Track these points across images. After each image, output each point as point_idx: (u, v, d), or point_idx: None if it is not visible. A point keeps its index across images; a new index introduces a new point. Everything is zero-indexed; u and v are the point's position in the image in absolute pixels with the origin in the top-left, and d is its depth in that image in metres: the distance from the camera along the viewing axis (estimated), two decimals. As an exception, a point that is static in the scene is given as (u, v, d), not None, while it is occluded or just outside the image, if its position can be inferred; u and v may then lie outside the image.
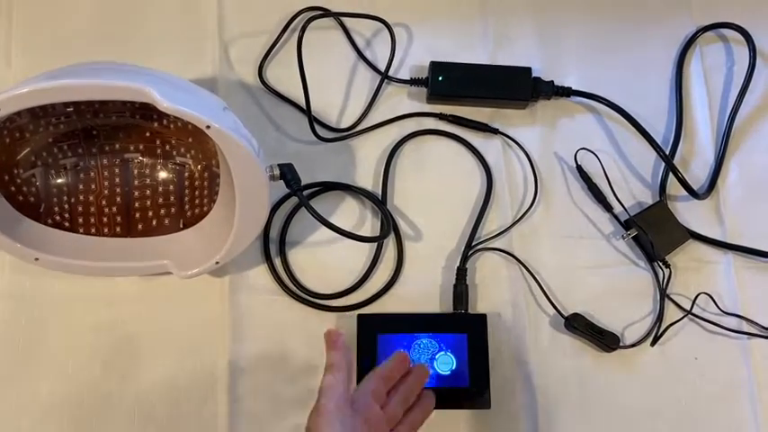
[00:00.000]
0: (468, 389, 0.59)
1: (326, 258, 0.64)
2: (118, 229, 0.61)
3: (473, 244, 0.64)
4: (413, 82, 0.68)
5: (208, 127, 0.49)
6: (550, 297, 0.62)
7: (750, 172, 0.68)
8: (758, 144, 0.68)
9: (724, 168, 0.67)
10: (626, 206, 0.65)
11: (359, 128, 0.67)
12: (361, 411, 0.50)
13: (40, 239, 0.57)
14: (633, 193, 0.67)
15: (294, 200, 0.64)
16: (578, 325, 0.61)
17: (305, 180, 0.59)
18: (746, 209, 0.67)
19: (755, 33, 0.70)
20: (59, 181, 0.60)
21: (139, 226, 0.62)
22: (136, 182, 0.62)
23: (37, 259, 0.56)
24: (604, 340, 0.61)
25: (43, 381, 0.60)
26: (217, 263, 0.56)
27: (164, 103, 0.47)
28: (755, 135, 0.69)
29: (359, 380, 0.58)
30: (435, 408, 0.58)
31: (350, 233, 0.57)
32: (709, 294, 0.63)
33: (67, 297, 0.61)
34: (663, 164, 0.67)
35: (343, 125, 0.68)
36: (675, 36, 0.71)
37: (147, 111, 0.59)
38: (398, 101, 0.69)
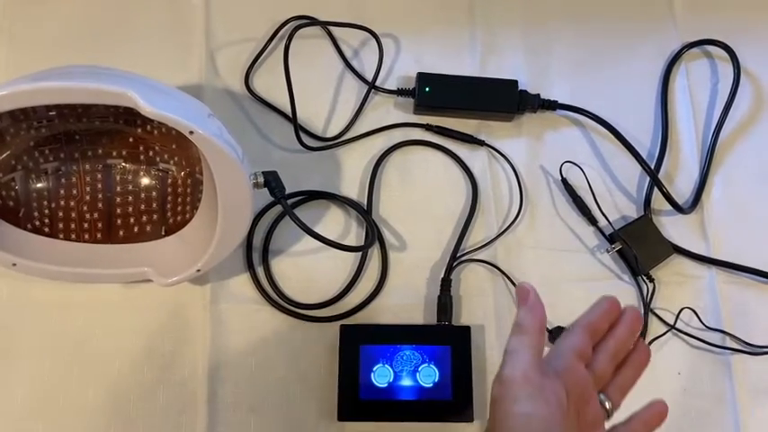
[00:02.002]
0: (451, 402, 0.58)
1: (310, 268, 0.63)
2: (98, 236, 0.61)
3: (458, 255, 0.64)
4: (400, 92, 0.68)
5: (191, 132, 0.48)
6: (534, 310, 0.62)
7: (734, 187, 0.68)
8: (742, 160, 0.69)
9: (708, 183, 0.68)
10: (610, 220, 0.65)
11: (345, 137, 0.67)
12: (563, 374, 0.42)
13: (19, 244, 0.56)
14: (618, 207, 0.67)
15: (278, 208, 0.64)
16: (562, 338, 0.61)
17: (290, 189, 0.59)
18: (730, 224, 0.67)
19: (740, 50, 0.70)
20: (40, 185, 0.59)
21: (121, 232, 0.61)
22: (118, 188, 0.61)
23: (14, 264, 0.55)
24: (588, 354, 0.60)
25: (18, 388, 0.59)
26: (198, 271, 0.56)
27: (146, 108, 0.46)
28: (739, 151, 0.69)
29: (341, 390, 0.58)
30: (418, 420, 0.58)
31: (334, 242, 0.56)
32: (692, 309, 0.63)
33: (45, 303, 0.60)
34: (648, 178, 0.67)
35: (330, 134, 0.67)
36: (661, 52, 0.72)
37: (130, 116, 0.59)
38: (385, 111, 0.69)
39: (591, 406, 0.44)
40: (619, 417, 0.46)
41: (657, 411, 0.47)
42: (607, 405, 0.45)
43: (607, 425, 0.45)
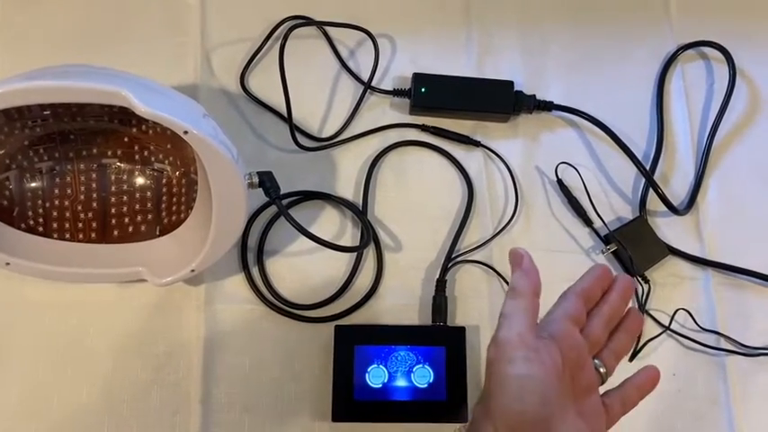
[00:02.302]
0: (446, 402, 0.58)
1: (305, 268, 0.63)
2: (93, 235, 0.60)
3: (453, 256, 0.64)
4: (395, 93, 0.68)
5: (185, 132, 0.48)
6: (529, 311, 0.62)
7: (729, 189, 0.68)
8: (737, 161, 0.69)
9: (704, 185, 0.68)
10: (606, 221, 0.65)
11: (340, 137, 0.67)
12: (558, 338, 0.42)
13: (13, 244, 0.56)
14: (613, 208, 0.67)
15: (273, 208, 0.64)
16: (557, 339, 0.61)
17: (285, 189, 0.59)
18: (726, 225, 0.67)
19: (735, 52, 0.71)
20: (34, 185, 0.59)
21: (115, 232, 0.61)
22: (113, 187, 0.61)
23: (8, 264, 0.55)
24: (583, 355, 0.60)
25: (13, 388, 0.58)
26: (192, 271, 0.56)
27: (141, 107, 0.46)
28: (735, 152, 0.69)
29: (335, 391, 0.58)
30: (412, 421, 0.58)
31: (329, 243, 0.56)
32: (687, 310, 0.63)
33: (39, 303, 0.60)
34: (643, 179, 0.67)
35: (325, 134, 0.67)
36: (657, 53, 0.72)
37: (125, 115, 0.59)
38: (381, 111, 0.69)
39: (585, 371, 0.44)
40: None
41: (650, 376, 0.48)
42: (601, 370, 0.46)
43: (601, 390, 0.46)
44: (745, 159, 0.69)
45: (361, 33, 0.68)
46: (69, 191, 0.60)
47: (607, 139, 0.68)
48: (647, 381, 0.47)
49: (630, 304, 0.49)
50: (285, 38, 0.64)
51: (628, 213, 0.67)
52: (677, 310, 0.63)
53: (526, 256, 0.46)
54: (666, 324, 0.63)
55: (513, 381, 0.40)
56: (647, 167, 0.67)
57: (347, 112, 0.68)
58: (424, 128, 0.68)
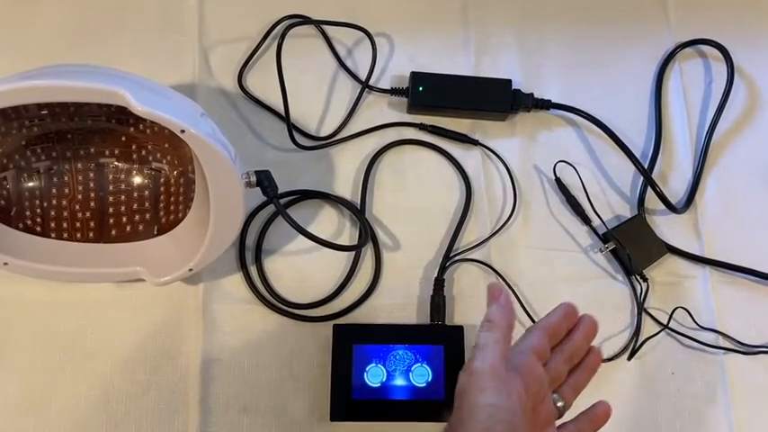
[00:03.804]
0: (444, 401, 0.58)
1: (303, 267, 0.63)
2: (91, 235, 0.60)
3: (451, 255, 0.64)
4: (393, 92, 0.68)
5: (183, 131, 0.48)
6: (528, 309, 0.62)
7: (728, 187, 0.68)
8: (736, 159, 0.69)
9: (702, 183, 0.68)
10: (604, 219, 0.65)
11: (338, 136, 0.67)
12: (521, 371, 0.45)
13: (10, 244, 0.56)
14: (611, 207, 0.67)
15: (271, 208, 0.64)
16: (555, 338, 0.61)
17: (283, 188, 0.59)
18: (724, 224, 0.67)
19: (733, 50, 0.71)
20: (32, 185, 0.59)
21: (113, 232, 0.61)
22: (110, 187, 0.61)
23: (6, 264, 0.55)
24: (581, 353, 0.60)
25: (11, 387, 0.58)
26: (190, 270, 0.56)
27: (138, 107, 0.46)
28: (733, 150, 0.69)
29: (334, 390, 0.58)
30: (410, 420, 0.58)
31: (327, 242, 0.56)
32: (686, 309, 0.63)
33: (37, 303, 0.60)
34: (641, 178, 0.67)
35: (323, 133, 0.67)
36: (655, 51, 0.72)
37: (123, 115, 0.58)
38: (379, 110, 0.69)
39: (545, 404, 0.46)
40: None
41: (602, 411, 0.49)
42: (559, 404, 0.48)
43: (557, 423, 0.48)
44: (744, 157, 0.69)
45: (359, 32, 0.68)
46: (67, 190, 0.60)
47: (605, 138, 0.68)
48: (600, 415, 0.49)
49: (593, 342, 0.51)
50: (283, 37, 0.64)
51: (626, 212, 0.67)
52: (676, 309, 0.63)
53: (504, 292, 0.48)
54: (665, 322, 0.63)
55: (483, 410, 0.42)
56: (646, 166, 0.67)
57: (345, 111, 0.68)
58: (421, 127, 0.68)
